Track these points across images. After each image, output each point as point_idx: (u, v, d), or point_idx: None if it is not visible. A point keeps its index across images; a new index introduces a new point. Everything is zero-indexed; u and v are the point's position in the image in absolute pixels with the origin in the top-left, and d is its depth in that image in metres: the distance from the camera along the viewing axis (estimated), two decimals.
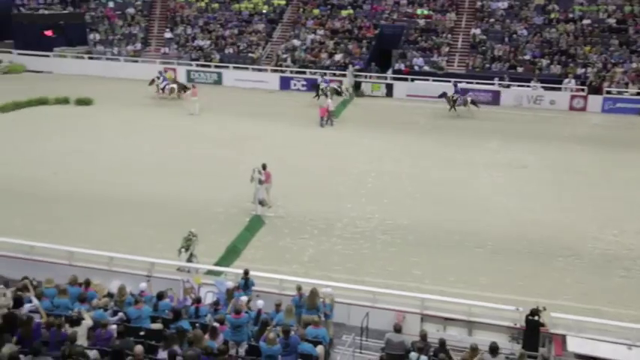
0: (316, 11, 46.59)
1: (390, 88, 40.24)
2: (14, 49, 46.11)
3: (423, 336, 12.24)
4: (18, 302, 12.44)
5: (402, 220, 21.56)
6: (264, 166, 21.86)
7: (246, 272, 15.06)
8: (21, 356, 10.22)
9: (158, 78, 37.94)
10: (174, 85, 37.26)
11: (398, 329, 12.67)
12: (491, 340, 12.53)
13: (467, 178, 25.74)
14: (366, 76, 40.93)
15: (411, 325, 14.40)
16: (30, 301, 12.56)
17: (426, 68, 41.00)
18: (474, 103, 35.54)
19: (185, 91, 36.87)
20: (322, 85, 37.06)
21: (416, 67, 41.08)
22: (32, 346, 10.58)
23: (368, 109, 37.08)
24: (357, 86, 40.29)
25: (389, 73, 41.21)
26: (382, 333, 13.82)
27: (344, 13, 45.91)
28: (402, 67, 41.22)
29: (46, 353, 10.52)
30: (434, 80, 39.48)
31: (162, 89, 37.13)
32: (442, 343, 12.22)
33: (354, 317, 15.03)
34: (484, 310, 15.16)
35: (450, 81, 37.29)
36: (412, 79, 39.95)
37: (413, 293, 16.00)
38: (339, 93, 37.19)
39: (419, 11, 44.92)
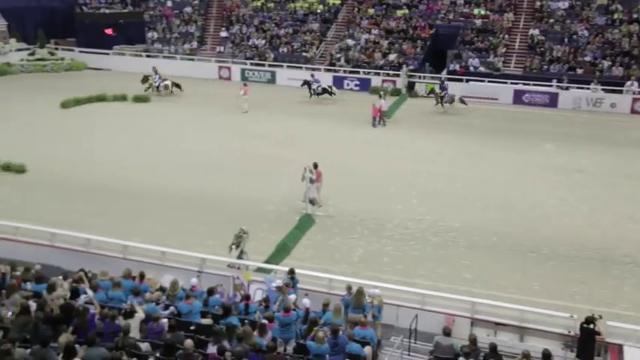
0: (371, 11, 46.45)
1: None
2: (76, 47, 47.52)
3: (473, 340, 12.03)
4: (74, 293, 12.82)
5: (454, 222, 21.28)
6: (315, 165, 21.90)
7: (291, 271, 15.12)
8: (76, 346, 10.52)
9: (151, 76, 38.03)
10: (168, 82, 37.48)
11: (447, 332, 12.50)
12: (543, 347, 12.26)
13: (521, 182, 25.24)
14: (420, 77, 40.59)
15: (461, 329, 14.21)
16: (85, 293, 12.91)
17: (482, 69, 40.39)
18: (462, 100, 35.61)
19: (179, 88, 37.09)
20: (314, 85, 37.80)
21: (471, 68, 40.52)
22: (87, 336, 10.89)
23: (421, 109, 36.75)
24: (410, 86, 40.01)
25: (443, 74, 40.77)
26: (431, 336, 13.68)
27: (399, 12, 45.62)
28: (457, 67, 40.71)
29: (100, 344, 10.80)
30: (489, 81, 38.93)
31: (157, 87, 37.37)
32: (493, 347, 11.98)
33: (402, 319, 14.92)
34: (536, 316, 14.83)
35: (506, 82, 36.81)
36: (467, 80, 39.42)
37: (463, 296, 15.78)
38: (329, 92, 37.91)
39: (476, 11, 44.26)
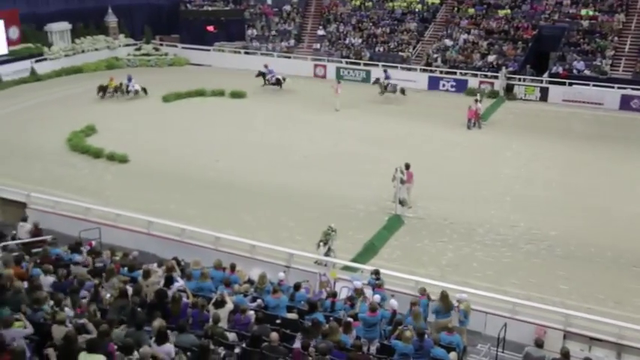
0: (471, 10, 45.43)
1: (544, 92, 38.37)
2: (180, 43, 49.28)
3: (565, 354, 11.48)
4: (168, 281, 13.29)
5: (549, 230, 20.51)
6: (407, 166, 21.70)
7: (376, 272, 15.06)
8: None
9: (122, 83, 37.53)
10: (138, 87, 37.58)
11: (539, 344, 12.02)
12: None
13: (625, 191, 23.97)
14: (519, 79, 39.33)
15: (553, 342, 13.68)
16: (177, 281, 13.35)
17: (587, 72, 38.61)
18: (402, 91, 37.06)
19: (144, 92, 37.27)
20: (268, 76, 38.88)
21: (575, 71, 38.83)
22: (178, 323, 11.26)
23: (519, 113, 35.65)
24: (509, 89, 38.86)
25: (545, 77, 39.32)
26: (519, 346, 13.28)
27: (501, 12, 44.36)
28: (560, 70, 39.14)
29: (189, 331, 11.14)
30: (594, 85, 37.19)
31: (128, 92, 37.41)
32: None
33: (490, 327, 14.54)
34: (637, 334, 14.06)
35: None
36: (570, 84, 37.85)
37: (557, 308, 15.19)
38: (280, 83, 38.81)
39: (583, 12, 42.34)
